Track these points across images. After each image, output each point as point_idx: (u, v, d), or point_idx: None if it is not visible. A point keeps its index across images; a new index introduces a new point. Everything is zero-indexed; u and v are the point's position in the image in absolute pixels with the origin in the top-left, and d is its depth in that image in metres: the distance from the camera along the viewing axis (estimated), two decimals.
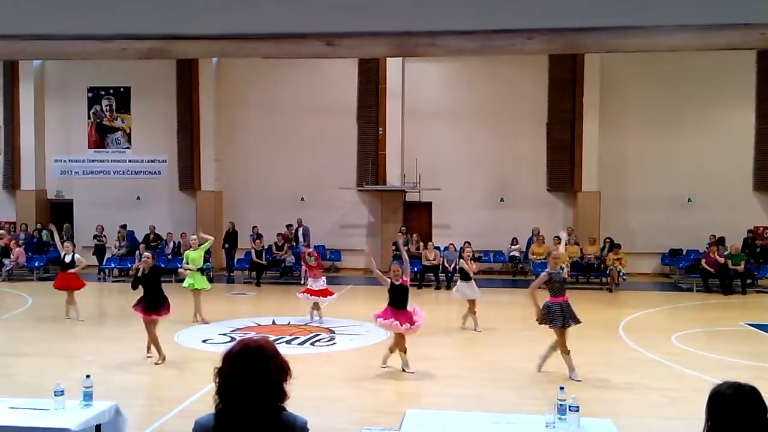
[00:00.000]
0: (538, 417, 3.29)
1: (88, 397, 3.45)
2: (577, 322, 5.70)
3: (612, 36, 2.72)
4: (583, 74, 13.59)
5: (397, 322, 5.77)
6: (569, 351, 5.66)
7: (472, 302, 7.93)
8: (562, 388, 3.20)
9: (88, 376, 3.49)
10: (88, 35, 2.87)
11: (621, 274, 12.05)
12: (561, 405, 3.15)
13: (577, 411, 3.14)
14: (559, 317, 5.57)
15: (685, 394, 5.30)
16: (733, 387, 1.67)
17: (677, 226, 13.45)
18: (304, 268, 12.53)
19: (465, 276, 7.98)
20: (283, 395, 1.63)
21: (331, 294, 8.46)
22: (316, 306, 8.36)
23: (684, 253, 13.41)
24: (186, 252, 8.88)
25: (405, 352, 5.91)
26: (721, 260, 11.77)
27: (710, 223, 13.01)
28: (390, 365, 6.06)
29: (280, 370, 1.63)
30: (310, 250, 9.72)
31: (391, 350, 5.97)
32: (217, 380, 1.62)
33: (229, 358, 1.62)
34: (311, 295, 8.29)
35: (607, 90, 13.67)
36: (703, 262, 11.98)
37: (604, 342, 7.55)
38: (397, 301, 5.85)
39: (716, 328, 8.48)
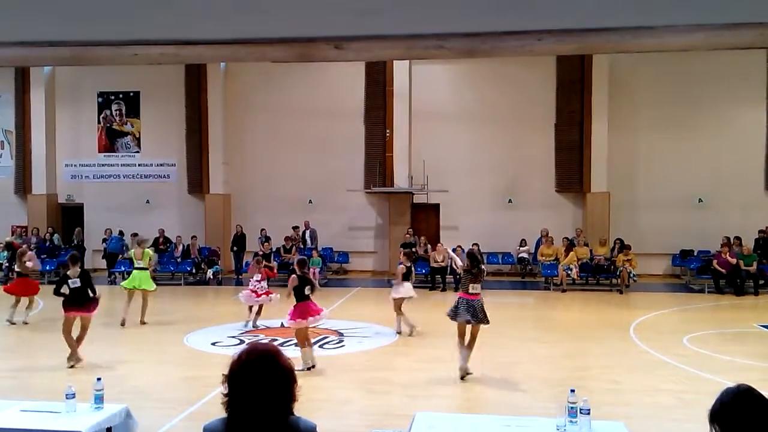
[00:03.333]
0: (549, 420, 3.25)
1: (99, 399, 3.46)
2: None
3: (623, 36, 2.70)
4: (591, 75, 13.51)
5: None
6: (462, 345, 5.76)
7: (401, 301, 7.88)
8: (572, 391, 3.16)
9: (99, 379, 3.50)
10: (99, 41, 2.90)
11: (631, 275, 11.92)
12: (572, 408, 3.12)
13: (588, 414, 3.10)
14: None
15: (697, 397, 5.21)
16: (729, 395, 1.65)
17: (688, 226, 13.30)
18: (313, 270, 12.57)
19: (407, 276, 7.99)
20: (291, 399, 1.63)
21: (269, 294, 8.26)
22: (259, 310, 8.22)
23: (695, 254, 13.24)
24: (146, 250, 8.73)
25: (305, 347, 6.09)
26: (733, 261, 11.61)
27: (721, 223, 12.86)
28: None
29: (288, 374, 1.63)
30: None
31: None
32: (226, 385, 1.61)
33: (239, 363, 1.61)
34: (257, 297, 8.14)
35: (616, 90, 13.56)
36: (714, 263, 11.82)
37: (615, 344, 7.46)
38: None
39: (729, 330, 8.34)
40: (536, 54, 2.82)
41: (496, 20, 2.60)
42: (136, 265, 8.53)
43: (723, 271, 11.64)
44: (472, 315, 5.64)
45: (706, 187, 13.50)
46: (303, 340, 6.10)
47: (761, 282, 11.74)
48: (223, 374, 1.62)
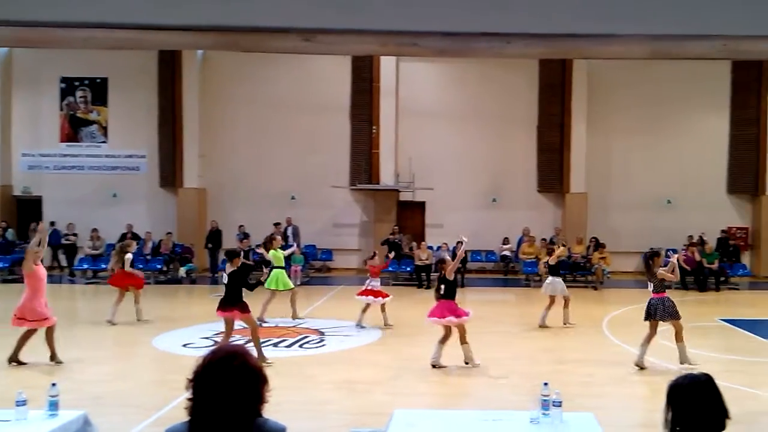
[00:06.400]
0: (523, 413, 3.33)
1: (53, 406, 3.26)
2: (672, 318, 6.00)
3: (589, 42, 2.81)
4: (571, 79, 13.88)
5: (452, 317, 5.96)
6: (680, 341, 6.02)
7: (566, 299, 8.15)
8: (546, 384, 3.25)
9: (54, 384, 3.30)
10: (50, 22, 2.70)
11: (605, 272, 12.35)
12: (545, 400, 3.22)
13: (560, 406, 3.20)
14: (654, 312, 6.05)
15: (664, 387, 5.42)
16: (689, 378, 1.86)
17: (657, 226, 13.89)
18: (295, 268, 12.33)
19: (554, 271, 8.26)
20: (260, 401, 1.59)
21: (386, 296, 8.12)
22: (366, 308, 8.02)
23: (664, 252, 13.76)
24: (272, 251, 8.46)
25: (466, 343, 6.03)
26: (698, 259, 12.15)
27: (687, 223, 13.50)
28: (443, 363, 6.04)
29: (256, 375, 1.58)
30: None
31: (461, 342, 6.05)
32: (190, 388, 1.57)
33: (203, 365, 1.57)
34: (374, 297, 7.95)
35: (594, 94, 14.00)
36: (681, 260, 12.32)
37: (589, 338, 7.71)
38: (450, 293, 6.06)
39: (693, 324, 8.64)
40: (506, 56, 2.91)
41: (468, 21, 2.65)
42: (276, 265, 8.28)
43: (688, 268, 12.16)
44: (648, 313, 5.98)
45: (674, 189, 14.14)
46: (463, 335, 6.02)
47: (722, 279, 12.37)
48: (187, 378, 1.58)
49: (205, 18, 2.69)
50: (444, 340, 6.00)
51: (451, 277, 6.06)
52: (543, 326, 8.03)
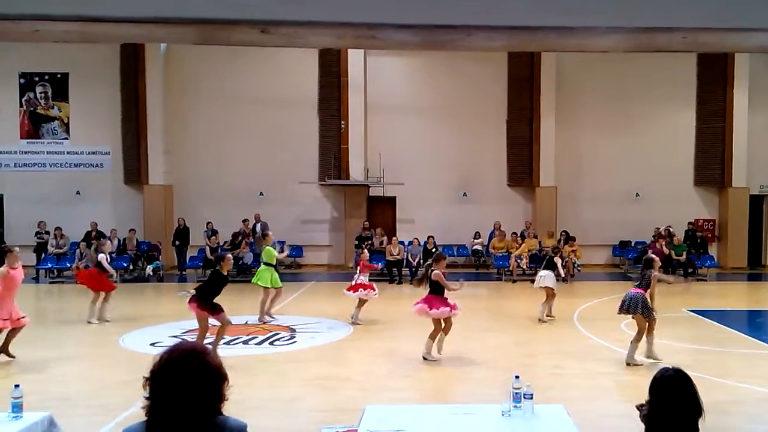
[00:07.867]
0: (494, 406, 3.29)
1: (17, 408, 3.18)
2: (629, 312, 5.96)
3: (547, 35, 2.79)
4: (540, 72, 13.95)
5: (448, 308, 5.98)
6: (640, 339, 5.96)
7: (549, 290, 8.13)
8: (517, 377, 3.24)
9: (17, 386, 3.23)
10: None
11: (576, 265, 12.57)
12: (516, 393, 3.18)
13: (531, 398, 3.18)
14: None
15: (633, 378, 5.52)
16: (661, 371, 1.98)
17: (626, 219, 14.15)
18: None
19: (551, 265, 8.29)
20: (219, 399, 1.56)
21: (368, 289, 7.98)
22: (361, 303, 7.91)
23: (632, 244, 14.15)
24: (267, 248, 8.22)
25: (434, 340, 6.04)
26: (667, 251, 12.53)
27: (656, 216, 13.80)
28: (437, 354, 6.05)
29: (216, 373, 1.56)
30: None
31: (434, 337, 6.05)
32: (147, 387, 1.54)
33: (160, 363, 1.55)
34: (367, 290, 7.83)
35: (563, 88, 14.13)
36: (649, 252, 12.68)
37: (560, 330, 7.78)
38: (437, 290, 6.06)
39: (661, 315, 8.83)
40: (468, 49, 2.85)
41: (427, 13, 2.60)
42: (266, 261, 8.02)
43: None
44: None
45: (643, 182, 14.39)
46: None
47: (690, 270, 12.73)
48: (143, 377, 1.53)
49: (155, 9, 2.53)
50: (434, 334, 6.02)
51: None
52: (550, 316, 8.14)
